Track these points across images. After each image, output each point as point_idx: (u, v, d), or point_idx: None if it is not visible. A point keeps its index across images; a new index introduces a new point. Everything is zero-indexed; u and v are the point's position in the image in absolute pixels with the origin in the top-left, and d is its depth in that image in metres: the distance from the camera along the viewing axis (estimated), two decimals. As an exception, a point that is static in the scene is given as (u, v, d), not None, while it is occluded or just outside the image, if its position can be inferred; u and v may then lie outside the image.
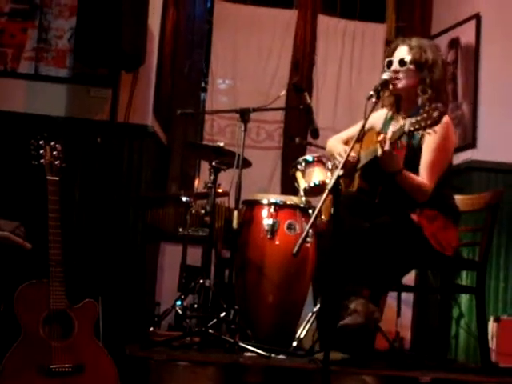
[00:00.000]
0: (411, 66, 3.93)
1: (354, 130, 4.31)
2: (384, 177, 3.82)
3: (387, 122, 4.14)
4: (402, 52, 3.98)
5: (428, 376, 3.55)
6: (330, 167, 4.65)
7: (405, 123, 3.56)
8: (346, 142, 4.26)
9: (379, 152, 3.63)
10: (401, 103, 4.07)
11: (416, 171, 3.80)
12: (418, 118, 3.47)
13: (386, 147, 3.60)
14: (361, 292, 3.70)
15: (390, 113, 4.15)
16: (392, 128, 4.03)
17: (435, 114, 3.42)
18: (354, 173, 3.99)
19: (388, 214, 3.80)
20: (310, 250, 4.59)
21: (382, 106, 4.24)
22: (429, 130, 3.45)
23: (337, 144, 4.30)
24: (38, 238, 3.46)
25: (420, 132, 3.50)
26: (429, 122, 3.43)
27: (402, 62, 3.95)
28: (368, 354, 3.88)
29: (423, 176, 3.79)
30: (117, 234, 4.75)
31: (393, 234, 3.74)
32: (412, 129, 3.49)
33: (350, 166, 3.92)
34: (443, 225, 3.86)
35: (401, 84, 3.94)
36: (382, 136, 3.64)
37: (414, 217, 3.80)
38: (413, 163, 3.79)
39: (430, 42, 4.09)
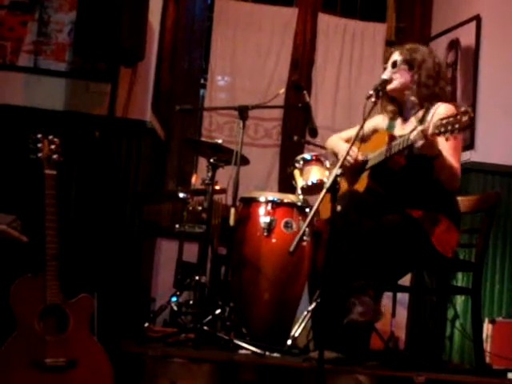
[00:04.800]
0: (402, 66, 4.02)
1: (354, 132, 4.33)
2: (394, 177, 3.85)
3: (391, 124, 4.16)
4: (395, 56, 4.08)
5: (422, 376, 3.56)
6: (328, 166, 4.66)
7: (428, 125, 3.48)
8: (347, 142, 4.27)
9: (420, 143, 3.56)
10: (402, 107, 4.11)
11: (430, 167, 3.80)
12: (444, 122, 3.37)
13: (430, 131, 3.48)
14: (367, 291, 3.70)
15: (390, 116, 4.18)
16: (396, 130, 4.06)
17: (465, 118, 3.29)
18: (361, 173, 3.99)
19: (393, 215, 3.80)
20: (306, 249, 4.59)
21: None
22: (456, 135, 3.36)
23: (339, 141, 4.31)
24: (35, 231, 3.46)
25: (446, 135, 3.37)
26: (457, 126, 3.31)
27: (393, 64, 4.04)
28: (363, 353, 3.88)
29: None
30: (113, 229, 4.75)
31: (397, 234, 3.74)
32: (437, 132, 3.40)
33: (357, 166, 3.93)
34: (446, 227, 3.86)
35: (393, 85, 3.99)
36: (424, 125, 3.56)
37: (419, 218, 3.80)
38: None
39: (423, 46, 4.16)
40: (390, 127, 4.15)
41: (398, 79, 4.01)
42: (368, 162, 3.96)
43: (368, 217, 3.78)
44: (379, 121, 4.22)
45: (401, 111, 4.13)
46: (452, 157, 3.79)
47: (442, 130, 3.38)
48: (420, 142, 3.57)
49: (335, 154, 4.35)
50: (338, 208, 3.68)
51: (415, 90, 3.98)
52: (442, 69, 4.13)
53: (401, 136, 3.79)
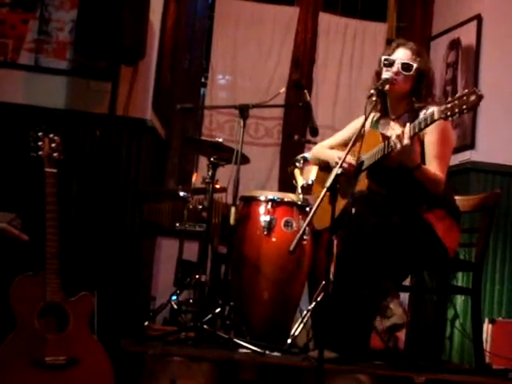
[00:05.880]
0: (413, 73, 3.92)
1: (338, 138, 4.32)
2: (391, 175, 3.82)
3: (374, 124, 4.12)
4: (405, 55, 3.95)
5: (422, 376, 3.55)
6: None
7: (431, 112, 3.45)
8: (332, 149, 4.26)
9: (398, 147, 3.58)
10: (389, 104, 4.05)
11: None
12: (449, 106, 3.31)
13: (406, 141, 3.55)
14: (395, 293, 3.71)
15: (377, 115, 4.14)
16: (381, 130, 4.02)
17: (472, 97, 3.24)
18: (358, 175, 3.97)
19: (399, 213, 3.79)
20: (306, 248, 4.59)
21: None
22: (465, 114, 3.30)
23: (324, 150, 4.29)
24: (35, 230, 3.45)
25: (454, 118, 3.33)
26: (465, 107, 3.26)
27: (406, 67, 3.91)
28: (363, 353, 3.88)
29: (434, 168, 3.78)
30: (114, 228, 4.74)
31: (406, 232, 3.74)
32: (443, 116, 3.34)
33: (351, 168, 3.90)
34: (449, 225, 3.87)
35: (397, 86, 3.93)
36: (400, 130, 3.59)
37: (426, 215, 3.80)
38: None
39: (425, 50, 4.15)
40: (374, 127, 4.10)
41: (401, 83, 3.91)
42: (364, 163, 3.94)
43: (376, 215, 3.77)
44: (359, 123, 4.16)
45: (386, 109, 4.09)
46: (438, 165, 3.79)
47: (449, 113, 3.33)
48: (398, 146, 3.58)
49: (319, 164, 4.34)
50: (353, 210, 3.69)
51: (416, 99, 3.92)
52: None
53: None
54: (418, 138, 3.77)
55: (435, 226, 3.80)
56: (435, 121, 3.46)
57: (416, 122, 3.57)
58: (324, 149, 4.32)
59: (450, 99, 3.35)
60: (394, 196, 3.86)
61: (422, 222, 3.79)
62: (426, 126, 3.54)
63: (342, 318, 3.66)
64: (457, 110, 3.30)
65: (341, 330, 3.67)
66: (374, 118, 4.14)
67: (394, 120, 4.01)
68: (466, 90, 3.30)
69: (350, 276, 3.67)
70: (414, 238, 3.78)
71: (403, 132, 3.57)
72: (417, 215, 3.80)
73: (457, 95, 3.33)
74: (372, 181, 3.90)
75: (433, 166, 3.78)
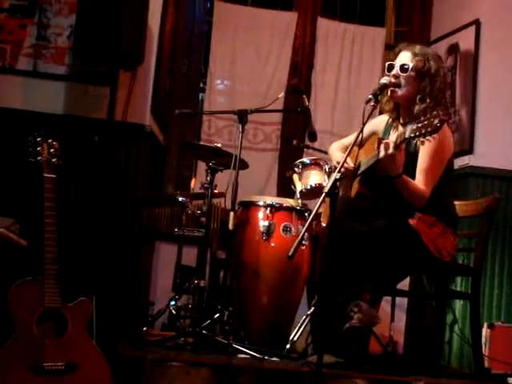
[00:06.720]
0: (412, 73, 3.90)
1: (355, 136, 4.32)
2: (384, 183, 3.82)
3: (388, 127, 4.13)
4: (405, 57, 3.95)
5: (421, 381, 3.55)
6: (327, 170, 4.66)
7: (405, 129, 3.51)
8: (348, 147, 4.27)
9: (381, 155, 3.61)
10: (399, 110, 4.06)
11: (412, 177, 3.79)
12: (419, 125, 3.40)
13: (391, 150, 3.58)
14: (362, 296, 3.71)
15: (391, 119, 4.15)
16: (392, 134, 4.03)
17: (436, 121, 3.35)
18: (355, 178, 3.99)
19: (386, 219, 3.80)
20: (305, 253, 4.59)
21: (381, 112, 4.24)
22: (429, 137, 3.38)
23: (335, 151, 4.30)
24: (34, 235, 3.45)
25: (420, 139, 3.41)
26: (429, 130, 3.36)
27: (403, 68, 3.91)
28: (361, 357, 3.88)
29: (420, 181, 3.78)
30: (112, 233, 4.74)
31: (390, 238, 3.75)
32: (412, 135, 3.42)
33: (350, 172, 3.92)
34: (442, 231, 3.86)
35: (400, 92, 3.92)
36: (386, 140, 3.62)
37: (413, 222, 3.80)
38: (409, 169, 3.78)
39: (433, 51, 4.07)
40: (387, 131, 4.13)
41: (405, 87, 3.91)
42: (360, 168, 3.95)
43: (361, 221, 3.78)
44: (379, 122, 4.19)
45: (399, 114, 4.10)
46: (424, 178, 3.79)
47: (417, 133, 3.41)
48: (382, 154, 3.59)
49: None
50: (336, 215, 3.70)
51: (420, 101, 3.88)
52: (448, 77, 4.09)
53: None
54: (409, 148, 3.80)
55: (421, 232, 3.80)
56: (406, 139, 3.52)
57: (401, 131, 3.59)
58: (336, 149, 4.34)
59: (422, 119, 3.47)
60: (385, 203, 3.87)
61: (406, 227, 3.80)
62: (403, 141, 3.57)
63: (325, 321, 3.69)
64: (423, 131, 3.39)
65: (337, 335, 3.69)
66: (389, 120, 4.15)
67: (402, 125, 4.01)
68: (434, 112, 3.46)
69: (330, 281, 3.70)
70: (397, 243, 3.78)
71: (389, 142, 3.59)
72: (402, 221, 3.81)
73: (426, 116, 3.46)
74: (365, 186, 3.91)
75: (419, 179, 3.79)
